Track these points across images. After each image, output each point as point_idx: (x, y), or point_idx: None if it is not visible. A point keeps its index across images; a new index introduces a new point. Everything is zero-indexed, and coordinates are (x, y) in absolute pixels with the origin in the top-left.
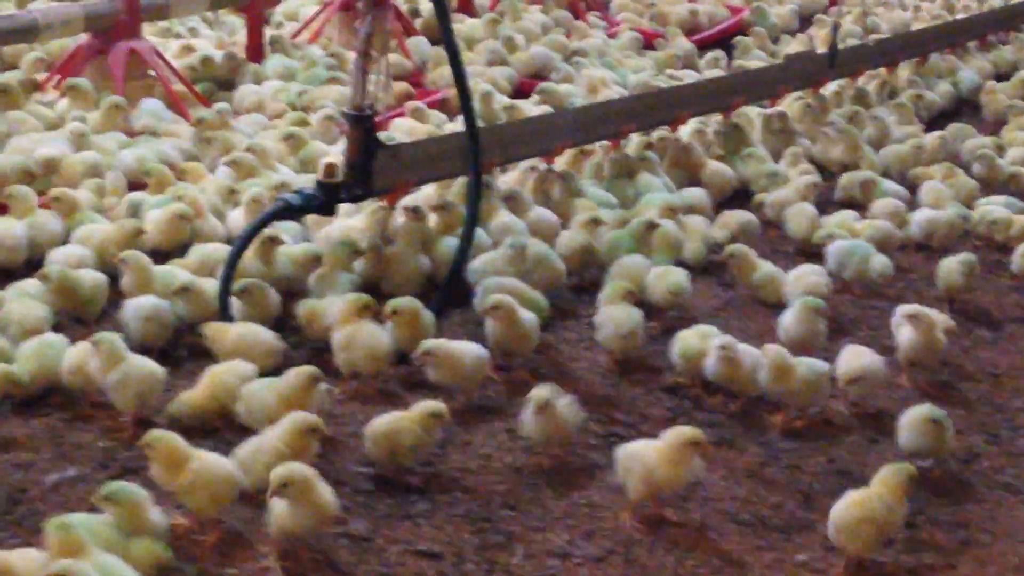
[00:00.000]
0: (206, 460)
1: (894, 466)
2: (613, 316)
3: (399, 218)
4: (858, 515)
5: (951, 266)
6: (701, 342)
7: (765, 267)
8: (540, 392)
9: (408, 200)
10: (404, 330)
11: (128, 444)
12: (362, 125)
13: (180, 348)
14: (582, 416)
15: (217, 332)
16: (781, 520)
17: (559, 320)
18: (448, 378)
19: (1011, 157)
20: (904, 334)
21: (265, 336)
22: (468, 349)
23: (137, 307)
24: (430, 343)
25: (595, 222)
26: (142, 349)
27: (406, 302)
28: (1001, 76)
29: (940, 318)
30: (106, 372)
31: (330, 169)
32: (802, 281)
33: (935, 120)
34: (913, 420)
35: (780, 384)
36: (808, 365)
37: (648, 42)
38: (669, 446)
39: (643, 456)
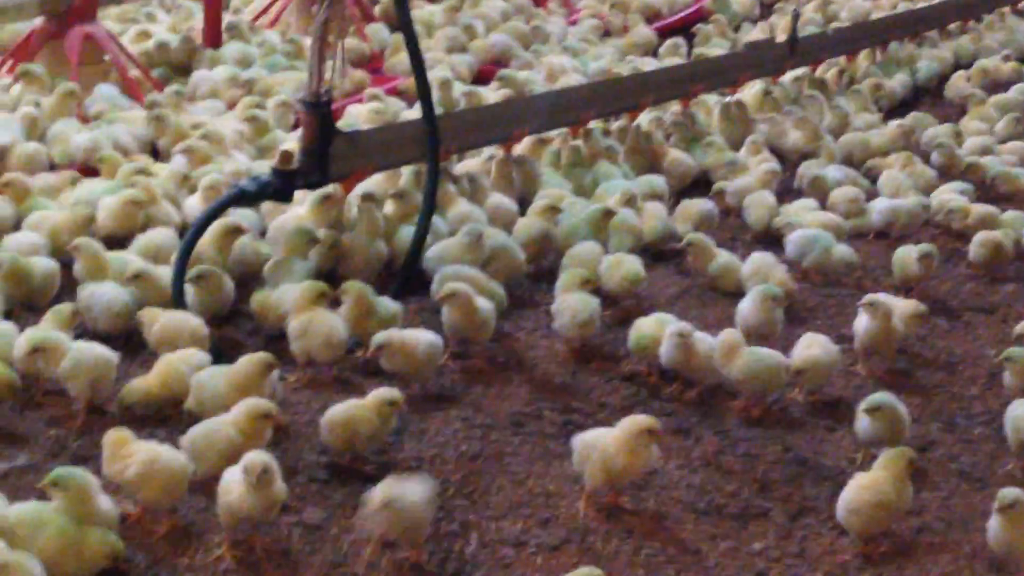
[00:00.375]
0: (156, 452)
1: (895, 451)
2: (569, 304)
3: (353, 205)
4: (869, 499)
5: (908, 255)
6: (658, 330)
7: (723, 256)
8: (385, 489)
9: (364, 187)
10: (356, 313)
11: (79, 432)
12: (318, 112)
13: (135, 335)
14: (431, 512)
15: (148, 318)
16: (737, 508)
17: (516, 308)
18: (402, 366)
19: (969, 146)
20: (861, 322)
21: (192, 323)
22: (422, 337)
23: (96, 297)
24: (382, 336)
25: (553, 210)
26: (102, 337)
27: (357, 286)
28: (961, 65)
29: (908, 305)
30: (55, 365)
31: (286, 156)
32: (769, 274)
33: (894, 109)
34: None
35: (728, 368)
36: (761, 356)
37: (609, 29)
38: (625, 434)
39: (600, 444)
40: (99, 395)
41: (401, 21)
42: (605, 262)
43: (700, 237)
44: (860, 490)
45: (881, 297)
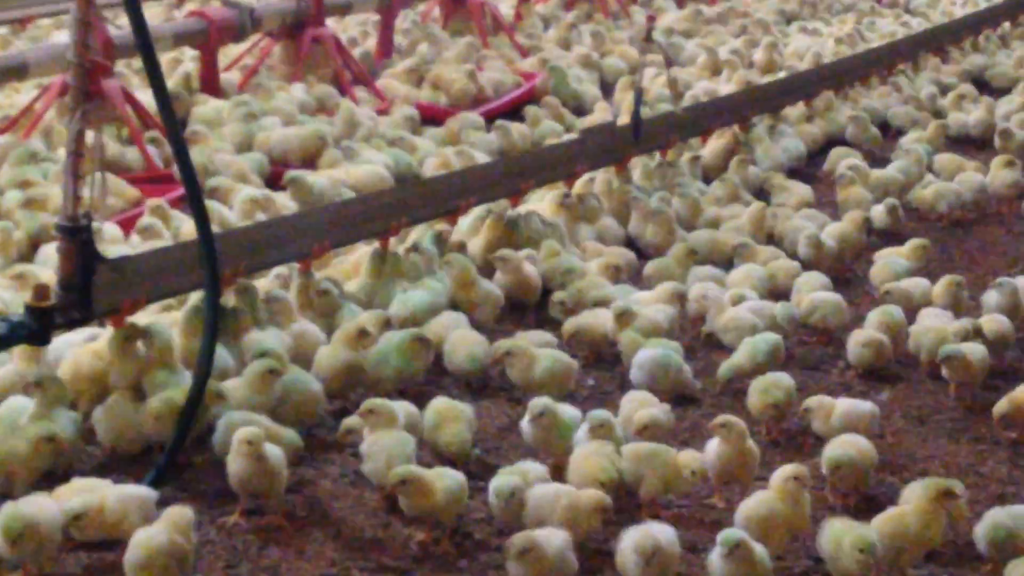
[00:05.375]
0: None
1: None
2: (383, 444)
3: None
4: None
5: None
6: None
7: (547, 359)
8: None
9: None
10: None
11: None
12: (77, 238)
13: None
14: None
15: None
16: None
17: (319, 452)
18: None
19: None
20: (712, 447)
21: None
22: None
23: None
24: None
25: (363, 334)
26: None
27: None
28: (834, 142)
29: None
30: None
31: (41, 290)
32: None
33: (760, 193)
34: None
35: None
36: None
37: (427, 116)
38: None
39: None
40: None
41: (165, 123)
42: (430, 410)
43: (519, 345)
44: None
45: (730, 418)
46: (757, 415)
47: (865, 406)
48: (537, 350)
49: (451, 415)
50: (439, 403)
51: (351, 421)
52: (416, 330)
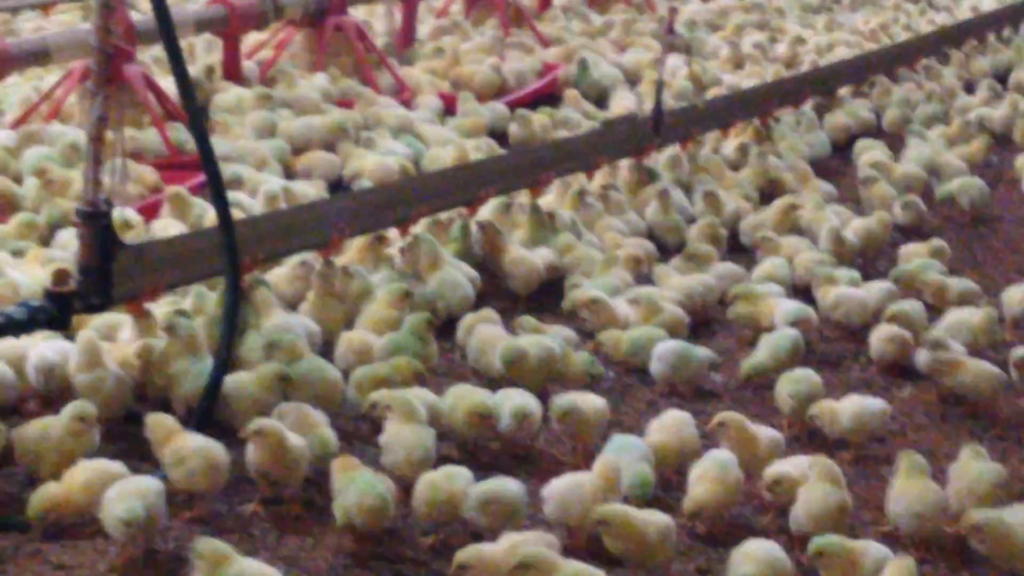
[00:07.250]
0: None
1: None
2: (401, 438)
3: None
4: None
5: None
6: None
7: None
8: None
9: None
10: None
11: None
12: (97, 223)
13: None
14: None
15: None
16: None
17: (339, 441)
18: None
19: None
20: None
21: None
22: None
23: None
24: None
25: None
26: None
27: None
28: (863, 133)
29: None
30: None
31: (60, 275)
32: None
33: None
34: None
35: None
36: None
37: (450, 107)
38: None
39: None
40: None
41: (186, 107)
42: (449, 393)
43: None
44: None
45: (735, 415)
46: (788, 411)
47: (876, 404)
48: (526, 339)
49: (471, 396)
50: (458, 388)
51: (376, 395)
52: (426, 314)
